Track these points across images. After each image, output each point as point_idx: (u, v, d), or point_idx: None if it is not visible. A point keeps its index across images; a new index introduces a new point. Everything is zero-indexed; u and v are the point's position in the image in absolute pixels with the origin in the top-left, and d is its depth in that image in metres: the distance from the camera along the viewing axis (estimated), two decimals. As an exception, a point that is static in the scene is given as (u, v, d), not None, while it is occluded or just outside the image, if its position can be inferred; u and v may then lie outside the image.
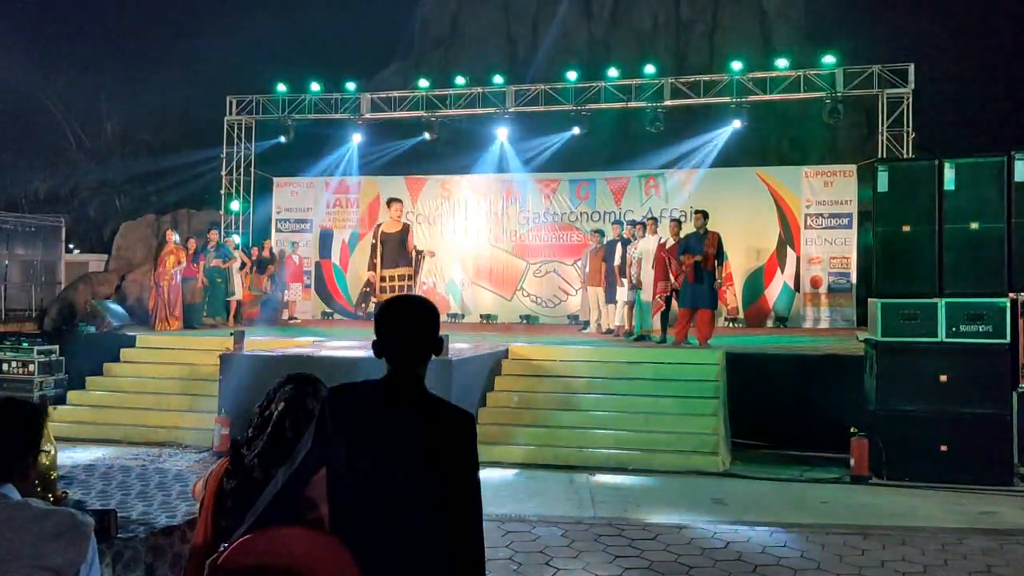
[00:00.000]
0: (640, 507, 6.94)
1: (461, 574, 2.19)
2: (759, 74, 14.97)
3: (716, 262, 10.59)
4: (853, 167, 14.92)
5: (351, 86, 16.71)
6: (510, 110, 15.89)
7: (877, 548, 5.85)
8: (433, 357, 2.38)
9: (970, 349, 7.69)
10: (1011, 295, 7.70)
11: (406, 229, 10.84)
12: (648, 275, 11.48)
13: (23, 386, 10.79)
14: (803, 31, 20.92)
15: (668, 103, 15.09)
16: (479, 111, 16.12)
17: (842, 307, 14.67)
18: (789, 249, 14.95)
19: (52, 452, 3.15)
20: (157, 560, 2.98)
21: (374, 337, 2.37)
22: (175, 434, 9.63)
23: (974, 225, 7.82)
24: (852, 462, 7.84)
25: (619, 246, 12.61)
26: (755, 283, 15.11)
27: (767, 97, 14.85)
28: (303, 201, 17.34)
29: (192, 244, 14.14)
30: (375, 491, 2.20)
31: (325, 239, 17.16)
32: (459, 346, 9.73)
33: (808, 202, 14.89)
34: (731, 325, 14.66)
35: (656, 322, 11.28)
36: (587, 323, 13.84)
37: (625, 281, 12.23)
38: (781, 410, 9.16)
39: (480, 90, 16.03)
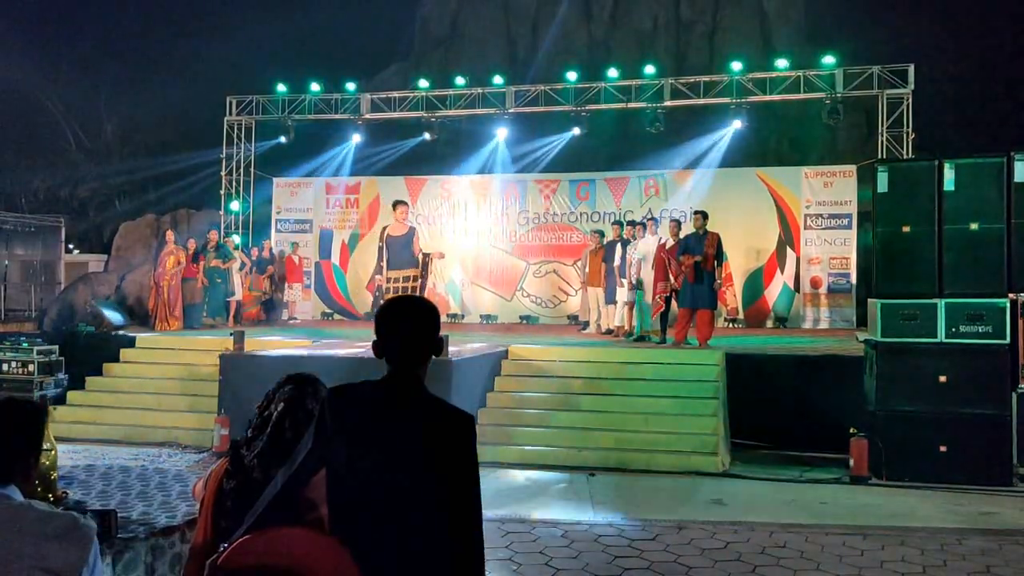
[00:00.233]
0: (640, 507, 6.94)
1: (461, 574, 2.19)
2: (759, 75, 14.98)
3: (716, 262, 10.60)
4: (853, 168, 14.92)
5: (351, 86, 16.73)
6: (510, 110, 15.89)
7: (876, 548, 5.85)
8: (433, 358, 2.38)
9: (970, 349, 7.69)
10: (1011, 296, 7.70)
11: (412, 231, 10.90)
12: (648, 276, 11.49)
13: (23, 386, 10.79)
14: (803, 32, 20.91)
15: (668, 104, 15.10)
16: (479, 111, 16.12)
17: (842, 307, 14.67)
18: (789, 249, 14.96)
19: (52, 452, 3.15)
20: (157, 560, 2.99)
21: (374, 337, 2.38)
22: (175, 434, 9.63)
23: (974, 226, 7.82)
24: (851, 462, 7.84)
25: (619, 246, 12.62)
26: (755, 283, 15.12)
27: (767, 98, 14.86)
28: (303, 201, 17.35)
29: (192, 244, 14.15)
30: (375, 491, 2.20)
31: (325, 239, 17.16)
32: (457, 348, 9.73)
33: (808, 202, 14.90)
34: (731, 325, 14.67)
35: (656, 322, 11.28)
36: (587, 323, 13.84)
37: (625, 282, 12.23)
38: (781, 410, 9.16)
39: (480, 90, 16.04)
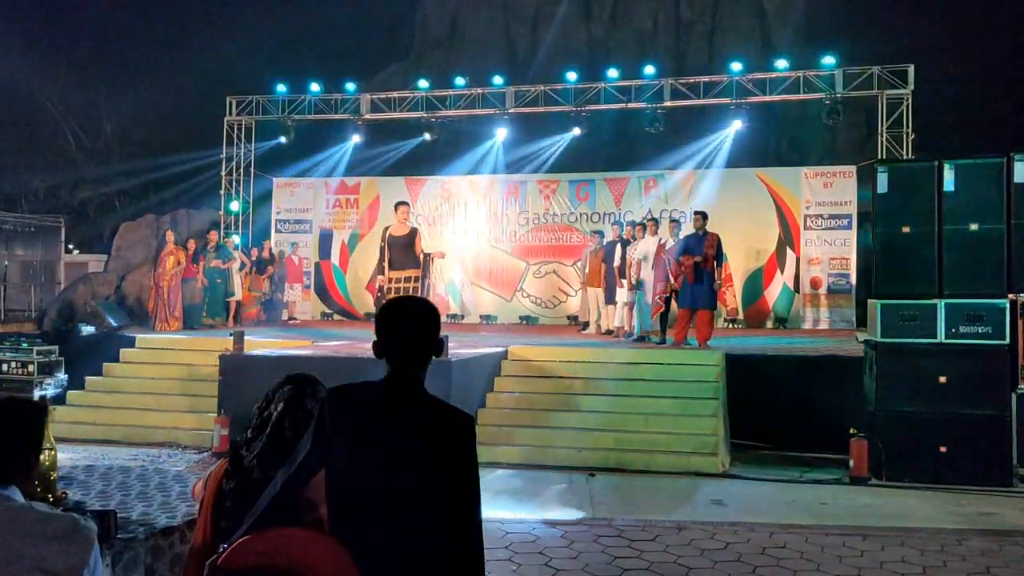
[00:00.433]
0: (639, 508, 6.94)
1: (461, 575, 2.19)
2: (759, 75, 14.98)
3: (715, 263, 10.60)
4: (853, 168, 14.92)
5: (351, 86, 16.73)
6: (510, 111, 15.89)
7: (876, 549, 5.85)
8: (433, 358, 2.38)
9: (969, 350, 7.69)
10: (1010, 296, 7.70)
11: (414, 232, 10.92)
12: (648, 276, 11.49)
13: (23, 386, 10.79)
14: (803, 32, 20.91)
15: (668, 104, 15.10)
16: (479, 112, 16.11)
17: (841, 308, 14.67)
18: (789, 250, 14.96)
19: (52, 452, 3.15)
20: (157, 561, 2.99)
21: (374, 338, 2.38)
22: (175, 435, 9.63)
23: (974, 226, 7.83)
24: (851, 463, 7.84)
25: (619, 247, 12.62)
26: (755, 284, 15.12)
27: (767, 98, 14.86)
28: (303, 202, 17.35)
29: (192, 245, 14.15)
30: (374, 492, 2.21)
31: (325, 240, 17.16)
32: (456, 348, 9.72)
33: (808, 203, 14.90)
34: (731, 326, 14.67)
35: (656, 323, 11.29)
36: (587, 324, 13.84)
37: (625, 282, 12.23)
38: (780, 411, 9.16)
39: (480, 91, 16.03)
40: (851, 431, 7.94)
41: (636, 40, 21.15)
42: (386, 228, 11.27)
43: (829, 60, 14.60)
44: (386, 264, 10.72)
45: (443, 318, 2.61)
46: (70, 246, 23.38)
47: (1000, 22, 23.62)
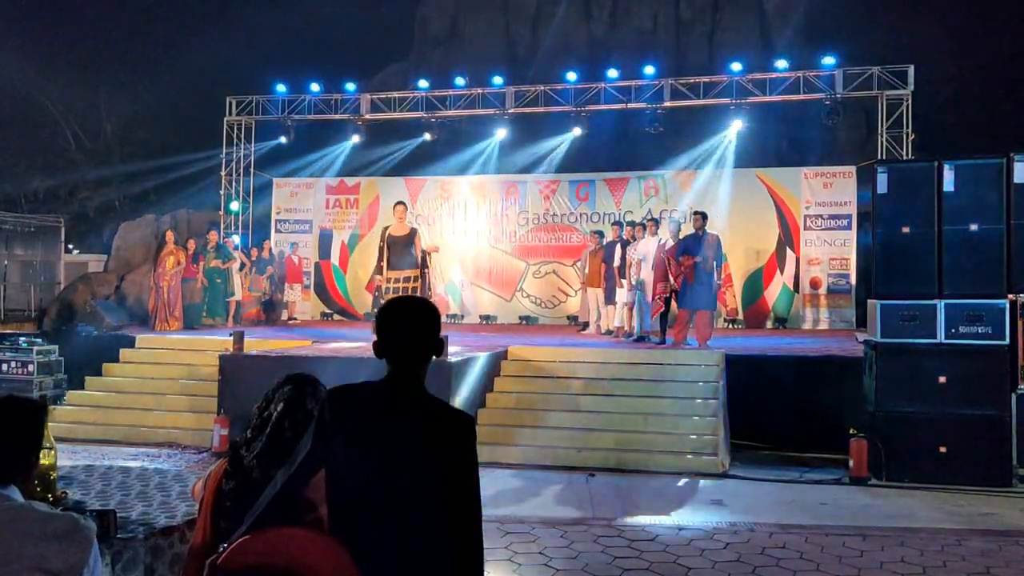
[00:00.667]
0: (639, 508, 6.94)
1: (460, 575, 2.19)
2: (759, 75, 14.98)
3: (715, 263, 10.60)
4: (852, 168, 14.93)
5: (351, 86, 16.73)
6: (510, 111, 15.89)
7: (876, 549, 5.85)
8: (433, 358, 2.38)
9: (969, 350, 7.69)
10: (1010, 296, 7.70)
11: (413, 232, 10.93)
12: (648, 276, 11.49)
13: (22, 386, 10.78)
14: (803, 32, 20.89)
15: (668, 104, 15.10)
16: (479, 112, 16.12)
17: (841, 308, 14.68)
18: (788, 250, 14.96)
19: (52, 452, 3.15)
20: (156, 560, 2.99)
21: (374, 338, 2.38)
22: (174, 434, 9.63)
23: (973, 226, 7.83)
24: (851, 463, 7.84)
25: (618, 247, 12.62)
26: (754, 284, 15.12)
27: (767, 98, 14.86)
28: (303, 202, 17.35)
29: (192, 245, 14.15)
30: (374, 492, 2.21)
31: (325, 240, 17.17)
32: (456, 349, 9.73)
33: (807, 203, 14.90)
34: (730, 326, 14.67)
35: (655, 323, 11.29)
36: (586, 324, 13.84)
37: (624, 282, 12.23)
38: (780, 411, 9.16)
39: (480, 91, 16.04)
40: (851, 431, 7.94)
41: (636, 40, 21.13)
42: (385, 228, 11.28)
43: (829, 60, 14.61)
44: (385, 264, 10.73)
45: (443, 318, 2.60)
46: (70, 246, 23.37)
47: (1000, 23, 23.61)
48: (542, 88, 15.86)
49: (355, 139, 17.01)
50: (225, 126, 17.11)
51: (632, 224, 13.34)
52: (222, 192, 17.16)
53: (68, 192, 27.08)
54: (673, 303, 11.06)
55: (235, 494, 2.52)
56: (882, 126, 14.32)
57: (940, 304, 7.79)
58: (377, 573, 2.16)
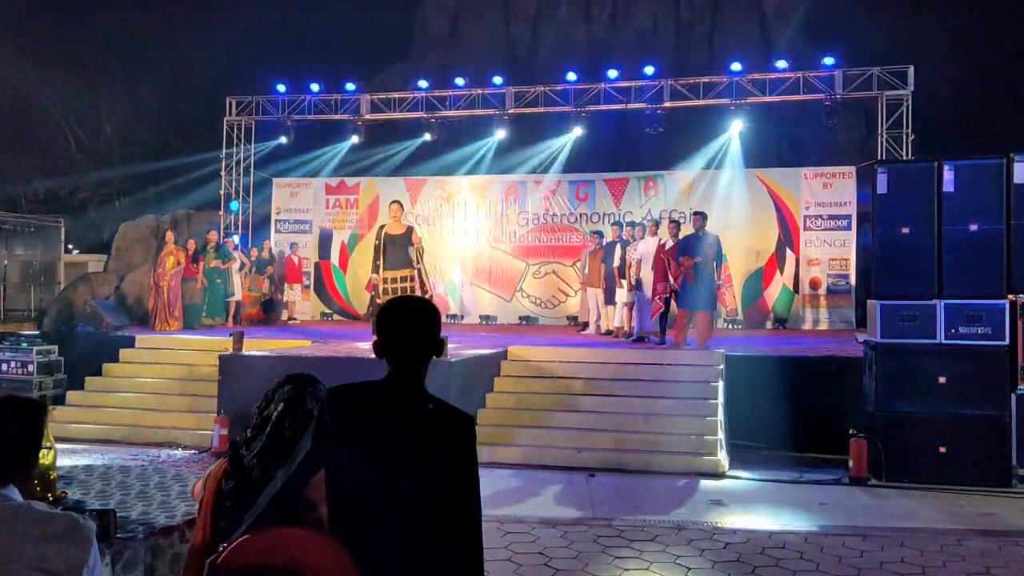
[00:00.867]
0: (639, 508, 6.94)
1: (460, 575, 2.19)
2: (758, 75, 14.97)
3: (715, 264, 10.60)
4: (852, 169, 14.93)
5: (351, 87, 16.72)
6: (510, 111, 15.89)
7: (876, 549, 5.85)
8: (433, 358, 2.38)
9: (969, 351, 7.69)
10: (1010, 297, 7.70)
11: (409, 231, 10.91)
12: (648, 276, 11.49)
13: (22, 386, 10.78)
14: (802, 33, 20.88)
15: (668, 104, 15.09)
16: (479, 112, 16.11)
17: (841, 308, 14.68)
18: (788, 251, 14.96)
19: (52, 452, 3.15)
20: (156, 560, 2.99)
21: (374, 337, 2.38)
22: (174, 434, 9.64)
23: (973, 227, 7.83)
24: (851, 463, 7.84)
25: (618, 247, 12.63)
26: (754, 284, 15.12)
27: (766, 99, 14.85)
28: (302, 202, 17.36)
29: (191, 245, 14.16)
30: (374, 492, 2.21)
31: (324, 240, 17.17)
32: (456, 349, 9.73)
33: (807, 203, 14.91)
34: (730, 327, 14.68)
35: (655, 323, 11.29)
36: (586, 324, 13.84)
37: (624, 282, 12.24)
38: (780, 411, 9.15)
39: (480, 91, 16.03)
40: (851, 431, 7.95)
41: (636, 40, 21.13)
42: (382, 227, 11.27)
43: (829, 60, 14.60)
44: (381, 263, 10.70)
45: (443, 318, 2.60)
46: (70, 246, 23.37)
47: (1000, 22, 23.61)
48: (542, 88, 15.86)
49: (355, 139, 17.00)
50: (225, 126, 17.11)
51: (632, 224, 13.34)
52: (222, 192, 17.16)
53: (68, 192, 27.09)
54: (673, 303, 11.06)
55: (235, 494, 2.52)
56: (882, 126, 14.32)
57: (940, 304, 7.79)
58: (377, 573, 2.16)
